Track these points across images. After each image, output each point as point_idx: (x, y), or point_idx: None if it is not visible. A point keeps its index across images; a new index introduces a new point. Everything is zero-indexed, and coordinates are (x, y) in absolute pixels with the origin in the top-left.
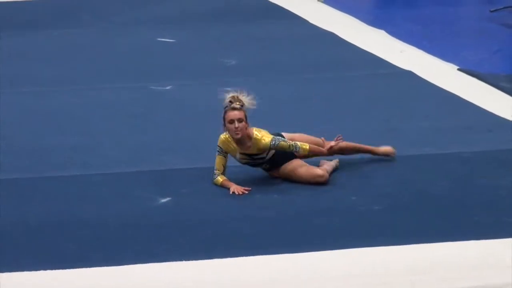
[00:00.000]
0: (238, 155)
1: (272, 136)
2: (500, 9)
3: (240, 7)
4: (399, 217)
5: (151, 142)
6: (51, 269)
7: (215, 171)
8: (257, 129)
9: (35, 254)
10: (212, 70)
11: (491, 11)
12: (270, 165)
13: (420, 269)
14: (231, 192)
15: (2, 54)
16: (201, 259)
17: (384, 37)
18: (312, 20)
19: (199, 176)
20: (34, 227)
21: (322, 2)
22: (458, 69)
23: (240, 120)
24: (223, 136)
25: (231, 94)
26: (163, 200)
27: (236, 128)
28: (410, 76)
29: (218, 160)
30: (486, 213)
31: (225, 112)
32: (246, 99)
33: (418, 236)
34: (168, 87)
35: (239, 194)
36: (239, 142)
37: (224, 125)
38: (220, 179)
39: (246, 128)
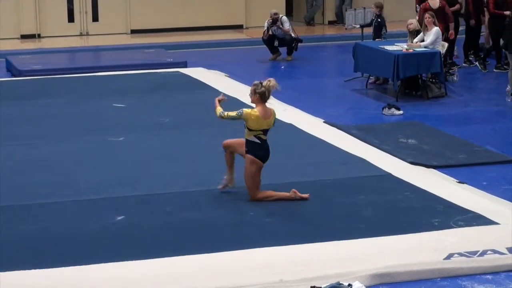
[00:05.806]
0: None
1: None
2: (351, 79)
3: (171, 82)
4: (282, 225)
5: (109, 177)
6: (39, 268)
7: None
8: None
9: (27, 258)
10: (152, 126)
11: (345, 81)
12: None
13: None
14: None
15: None
16: (151, 258)
17: (272, 100)
18: (221, 89)
19: (144, 200)
20: (25, 238)
21: (229, 77)
22: (324, 122)
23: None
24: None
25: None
26: (119, 218)
27: None
28: (291, 127)
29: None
30: (342, 222)
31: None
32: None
33: (294, 238)
34: (121, 139)
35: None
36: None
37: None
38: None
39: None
